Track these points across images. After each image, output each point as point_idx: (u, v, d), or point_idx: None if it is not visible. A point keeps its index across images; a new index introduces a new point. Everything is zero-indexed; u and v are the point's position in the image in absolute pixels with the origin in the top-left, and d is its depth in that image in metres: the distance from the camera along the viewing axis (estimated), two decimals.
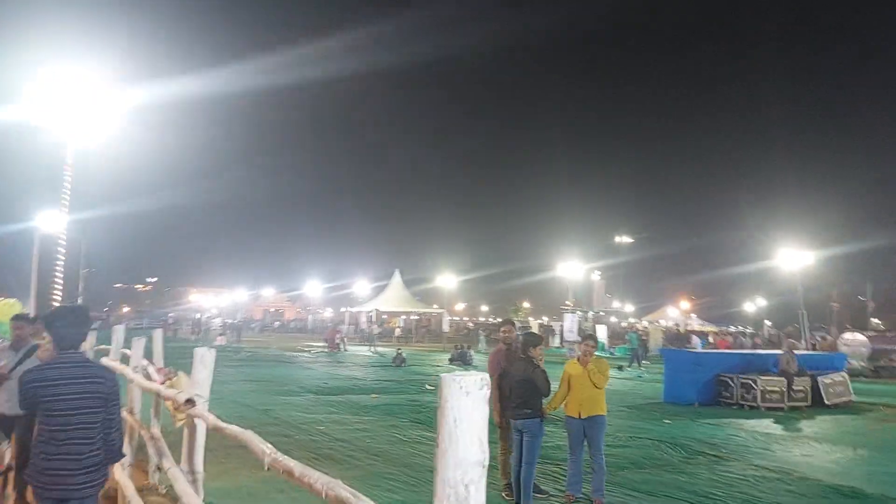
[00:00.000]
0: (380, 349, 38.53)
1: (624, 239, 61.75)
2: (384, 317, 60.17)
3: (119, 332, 7.68)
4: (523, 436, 6.91)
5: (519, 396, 6.94)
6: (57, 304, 11.51)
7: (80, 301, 12.40)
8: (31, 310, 25.37)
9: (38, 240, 12.05)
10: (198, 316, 63.57)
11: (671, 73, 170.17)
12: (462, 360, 29.83)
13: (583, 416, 7.31)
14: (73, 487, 3.55)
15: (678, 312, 71.80)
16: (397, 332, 55.07)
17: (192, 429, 3.97)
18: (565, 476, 7.87)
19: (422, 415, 14.40)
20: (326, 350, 36.35)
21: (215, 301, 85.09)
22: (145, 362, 6.97)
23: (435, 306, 61.29)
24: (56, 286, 11.72)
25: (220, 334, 44.19)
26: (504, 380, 7.25)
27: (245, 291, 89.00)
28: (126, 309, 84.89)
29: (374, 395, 17.55)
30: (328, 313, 77.28)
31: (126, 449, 6.53)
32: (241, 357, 29.80)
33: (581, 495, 7.45)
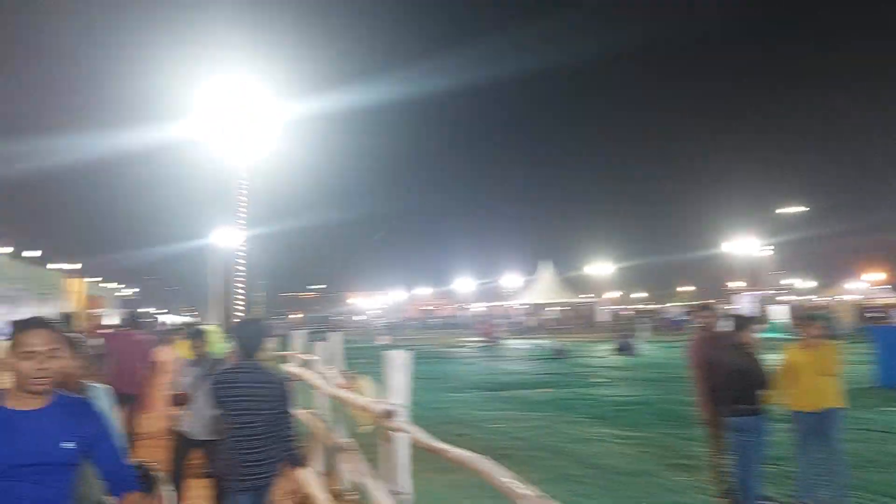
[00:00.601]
0: (537, 341, 37.89)
1: (793, 210, 56.18)
2: (537, 308, 59.36)
3: (299, 337, 7.64)
4: (743, 435, 5.99)
5: (733, 390, 6.02)
6: (239, 316, 11.97)
7: (260, 311, 12.86)
8: (219, 323, 27.37)
9: (216, 255, 12.60)
10: (360, 317, 66.41)
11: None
12: (628, 351, 28.45)
13: (816, 410, 6.24)
14: (255, 480, 4.00)
15: (866, 286, 64.46)
16: (551, 323, 54.05)
17: (392, 442, 3.57)
18: (790, 479, 6.82)
19: (599, 409, 13.61)
20: (484, 344, 36.25)
21: (374, 303, 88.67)
22: (326, 366, 6.81)
23: (585, 295, 59.56)
24: (238, 298, 12.21)
25: (382, 334, 45.57)
26: (712, 371, 6.35)
27: (401, 292, 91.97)
28: (296, 315, 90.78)
29: (543, 390, 16.96)
30: (480, 308, 77.73)
31: (313, 454, 6.45)
32: None
33: (815, 502, 6.38)
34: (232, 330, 4.96)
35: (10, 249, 34.38)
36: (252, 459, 4.01)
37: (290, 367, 7.29)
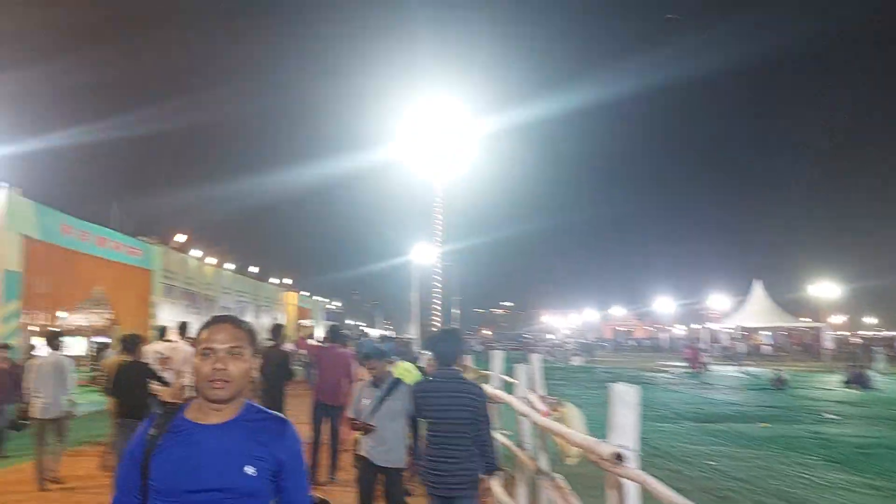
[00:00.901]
0: (750, 369, 34.50)
1: None
2: (746, 333, 54.40)
3: (498, 357, 7.26)
4: None
5: None
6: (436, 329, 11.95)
7: (458, 325, 12.79)
8: (416, 338, 28.26)
9: (415, 271, 12.74)
10: (551, 336, 65.63)
11: None
12: (861, 383, 24.81)
13: None
14: (452, 486, 4.10)
15: None
16: (765, 349, 49.20)
17: (619, 490, 2.98)
18: None
19: (834, 451, 11.77)
20: (689, 370, 33.74)
21: (566, 322, 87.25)
22: (527, 390, 6.33)
23: (805, 319, 53.50)
24: (435, 313, 12.22)
25: (575, 354, 44.39)
26: None
27: (594, 311, 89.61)
28: (486, 332, 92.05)
29: (763, 425, 15.11)
30: (682, 330, 73.12)
31: (515, 481, 5.99)
32: (598, 377, 29.13)
33: None
34: (429, 340, 5.22)
35: (233, 266, 38.30)
36: (449, 466, 4.09)
37: (489, 388, 6.90)
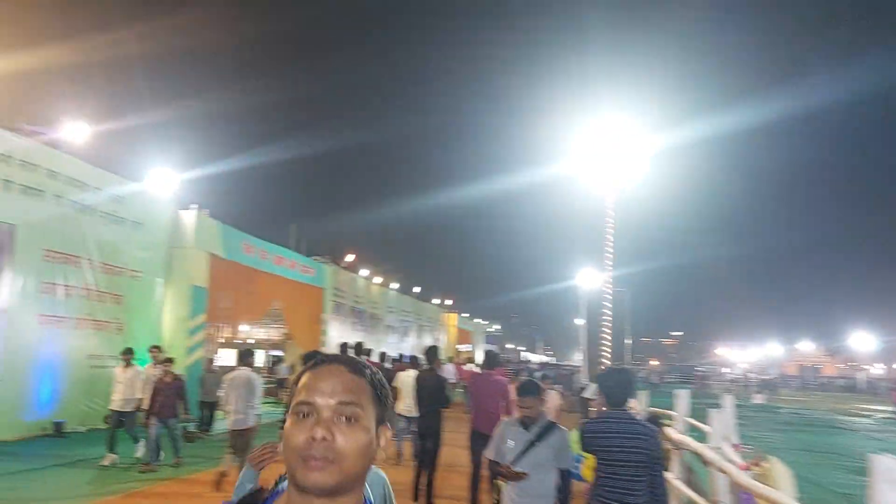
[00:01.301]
0: None
1: None
2: None
3: (683, 398, 6.30)
4: None
5: None
6: (606, 363, 11.03)
7: (628, 356, 11.77)
8: (582, 366, 27.04)
9: (583, 297, 11.91)
10: (727, 370, 60.70)
11: None
12: None
13: None
14: None
15: None
16: None
17: None
18: None
19: None
20: (894, 415, 29.39)
21: (744, 355, 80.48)
22: (722, 438, 5.35)
23: None
24: (604, 342, 11.31)
25: (757, 391, 40.54)
26: None
27: (777, 345, 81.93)
28: (654, 362, 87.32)
29: None
30: (881, 369, 64.67)
31: None
32: (783, 419, 26.12)
33: None
34: (599, 377, 4.66)
35: (398, 286, 39.25)
36: None
37: (673, 433, 5.98)
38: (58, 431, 11.69)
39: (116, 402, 9.83)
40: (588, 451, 4.18)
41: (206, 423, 13.31)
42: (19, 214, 11.24)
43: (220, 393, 17.77)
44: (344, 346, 11.59)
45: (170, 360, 10.15)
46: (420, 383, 7.92)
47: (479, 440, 7.52)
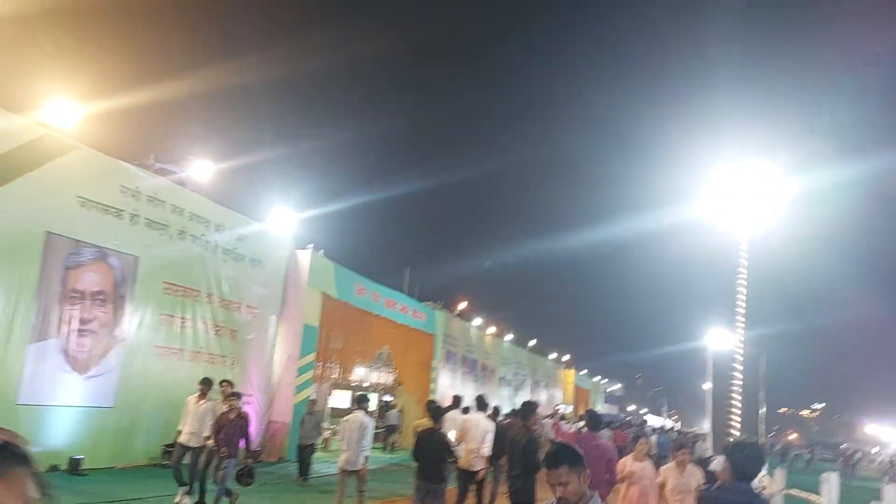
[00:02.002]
0: None
1: None
2: None
3: (832, 483, 5.26)
4: None
5: None
6: (734, 433, 9.76)
7: (761, 426, 10.39)
8: (708, 435, 24.80)
9: (711, 359, 10.71)
10: (877, 450, 54.12)
11: None
12: None
13: None
14: None
15: None
16: None
17: None
18: None
19: None
20: None
21: None
22: None
23: None
24: (733, 411, 10.05)
25: None
26: None
27: None
28: (793, 435, 79.74)
29: None
30: None
31: None
32: None
33: None
34: (727, 449, 4.37)
35: (512, 337, 38.27)
36: None
37: None
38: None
39: (184, 434, 9.13)
40: None
41: (303, 469, 12.47)
42: (143, 247, 11.75)
43: (326, 434, 17.61)
44: (480, 398, 11.08)
45: (236, 395, 9.37)
46: (512, 440, 7.19)
47: None
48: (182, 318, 12.68)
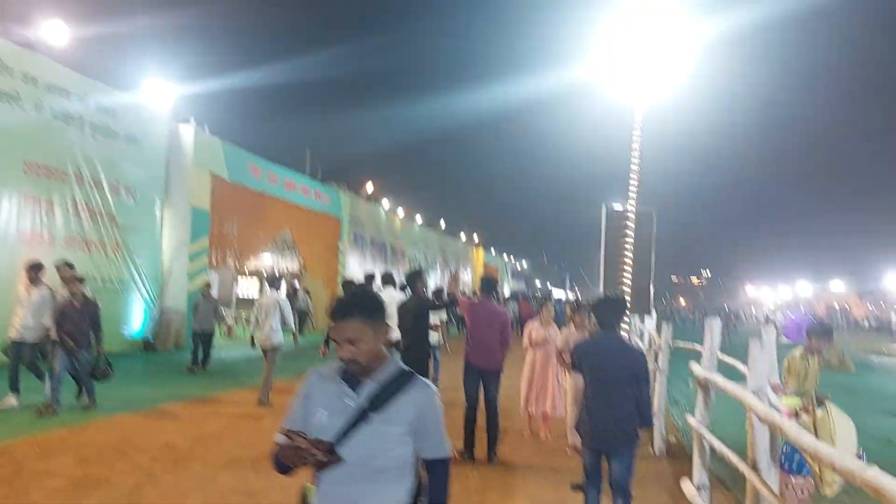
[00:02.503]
0: None
1: None
2: None
3: (715, 329, 5.30)
4: None
5: None
6: (624, 293, 9.98)
7: (651, 288, 10.65)
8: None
9: (604, 222, 10.73)
10: (756, 311, 59.37)
11: None
12: None
13: None
14: (610, 443, 4.33)
15: None
16: None
17: None
18: None
19: None
20: None
21: (775, 295, 78.68)
22: (764, 378, 4.32)
23: None
24: (625, 274, 10.23)
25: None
26: None
27: (808, 284, 79.80)
28: (683, 302, 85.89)
29: None
30: None
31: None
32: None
33: None
34: (593, 305, 5.02)
35: (421, 219, 38.22)
36: (608, 424, 4.28)
37: (698, 369, 5.05)
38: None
39: (16, 329, 8.03)
40: (578, 370, 4.49)
41: (196, 357, 11.68)
42: None
43: (230, 322, 17.08)
44: (370, 276, 11.24)
45: (79, 280, 8.22)
46: (401, 312, 6.95)
47: (474, 377, 6.65)
48: (49, 201, 11.52)
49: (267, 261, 22.43)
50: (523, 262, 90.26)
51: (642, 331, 10.35)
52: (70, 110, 11.91)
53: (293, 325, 9.32)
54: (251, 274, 22.62)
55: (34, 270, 8.22)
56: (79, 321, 7.85)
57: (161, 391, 9.56)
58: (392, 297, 8.87)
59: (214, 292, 13.04)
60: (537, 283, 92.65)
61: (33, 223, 11.23)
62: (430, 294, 9.04)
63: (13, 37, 10.88)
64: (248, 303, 20.51)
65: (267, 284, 9.68)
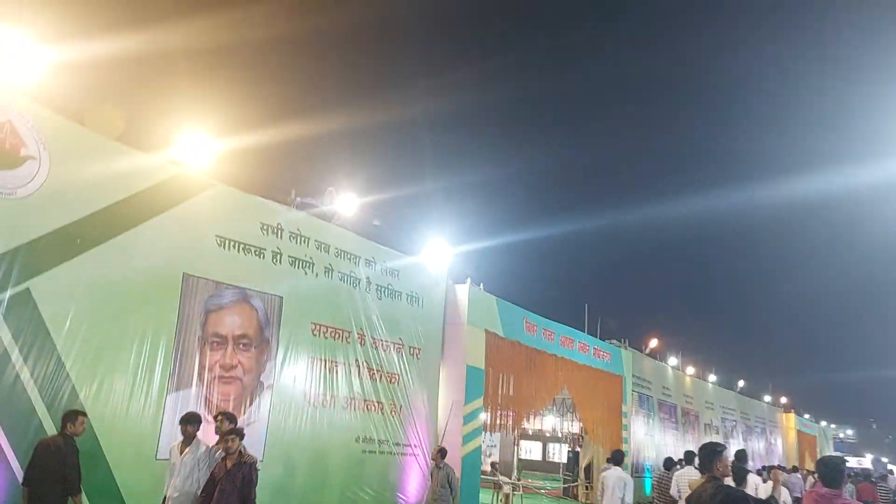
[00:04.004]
0: None
1: None
2: None
3: None
4: None
5: None
6: None
7: None
8: None
9: None
10: None
11: None
12: None
13: None
14: None
15: None
16: None
17: None
18: None
19: None
20: None
21: None
22: None
23: None
24: None
25: None
26: None
27: None
28: None
29: None
30: None
31: None
32: None
33: None
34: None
35: (716, 378, 33.82)
36: None
37: None
38: None
39: (171, 498, 6.95)
40: None
41: None
42: (287, 287, 11.01)
43: (506, 490, 15.71)
44: (690, 454, 10.42)
45: (236, 433, 6.75)
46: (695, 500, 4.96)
47: None
48: (332, 361, 11.74)
49: (548, 422, 21.06)
50: (847, 429, 75.76)
51: None
52: (357, 273, 12.40)
53: None
54: (533, 437, 21.38)
55: (189, 424, 7.09)
56: (229, 489, 6.38)
57: None
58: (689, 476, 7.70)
59: (496, 456, 12.17)
60: (867, 456, 76.39)
61: (318, 384, 11.44)
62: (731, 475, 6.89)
63: (309, 209, 11.75)
64: (530, 464, 19.16)
65: (610, 461, 9.87)
